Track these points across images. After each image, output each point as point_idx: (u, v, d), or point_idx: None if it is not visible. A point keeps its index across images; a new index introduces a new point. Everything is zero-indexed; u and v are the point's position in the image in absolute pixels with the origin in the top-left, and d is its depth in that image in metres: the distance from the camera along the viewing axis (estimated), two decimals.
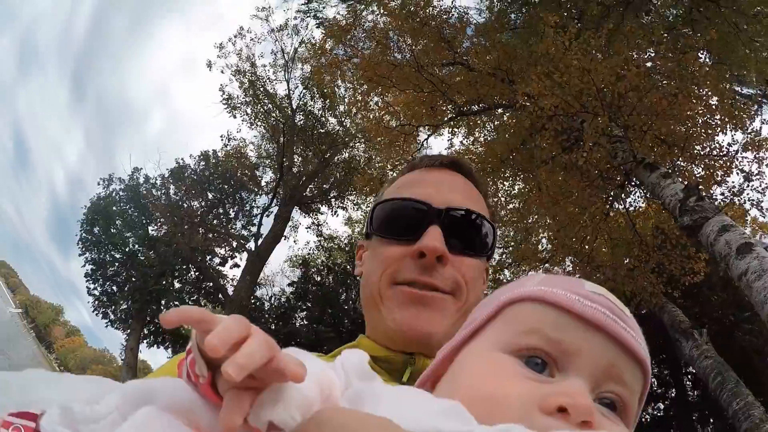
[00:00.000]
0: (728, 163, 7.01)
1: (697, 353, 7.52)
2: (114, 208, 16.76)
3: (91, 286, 16.23)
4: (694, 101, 7.39)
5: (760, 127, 7.18)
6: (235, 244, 15.76)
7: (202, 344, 0.43)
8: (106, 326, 16.27)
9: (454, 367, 0.59)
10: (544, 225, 9.65)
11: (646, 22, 9.35)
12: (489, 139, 10.54)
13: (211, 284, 15.89)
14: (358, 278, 1.06)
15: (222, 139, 16.71)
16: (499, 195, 9.81)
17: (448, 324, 0.89)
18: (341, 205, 16.16)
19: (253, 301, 15.60)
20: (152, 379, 0.53)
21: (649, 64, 7.91)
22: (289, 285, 16.59)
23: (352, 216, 16.72)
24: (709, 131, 7.28)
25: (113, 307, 16.06)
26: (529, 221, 9.62)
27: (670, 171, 6.49)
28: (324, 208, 16.51)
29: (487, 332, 0.58)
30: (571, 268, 8.80)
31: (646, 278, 7.78)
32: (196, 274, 16.13)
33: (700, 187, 5.72)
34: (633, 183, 7.23)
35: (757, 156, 7.02)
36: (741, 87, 9.75)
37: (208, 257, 16.09)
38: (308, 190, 16.35)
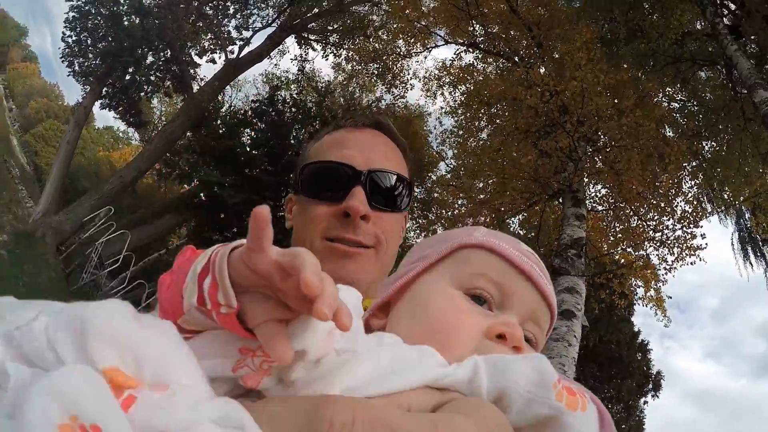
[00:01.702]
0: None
1: None
2: None
3: (68, 32, 15.50)
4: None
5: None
6: (220, 42, 15.16)
7: (248, 262, 0.43)
8: (68, 75, 15.90)
9: (409, 296, 0.68)
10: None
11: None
12: (490, 75, 10.53)
13: (181, 73, 15.55)
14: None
15: None
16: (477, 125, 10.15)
17: (369, 274, 1.02)
18: (336, 52, 15.53)
19: (212, 105, 15.55)
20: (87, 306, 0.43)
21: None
22: (253, 101, 16.45)
23: (344, 66, 16.17)
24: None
25: (81, 60, 15.63)
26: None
27: (585, 215, 7.03)
28: (318, 47, 15.90)
29: (440, 269, 0.68)
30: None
31: None
32: (171, 55, 15.60)
33: (586, 247, 6.36)
34: (559, 202, 7.74)
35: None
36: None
37: (189, 44, 15.47)
38: (313, 24, 15.55)
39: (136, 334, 0.40)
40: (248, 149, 14.85)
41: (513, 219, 8.72)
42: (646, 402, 14.98)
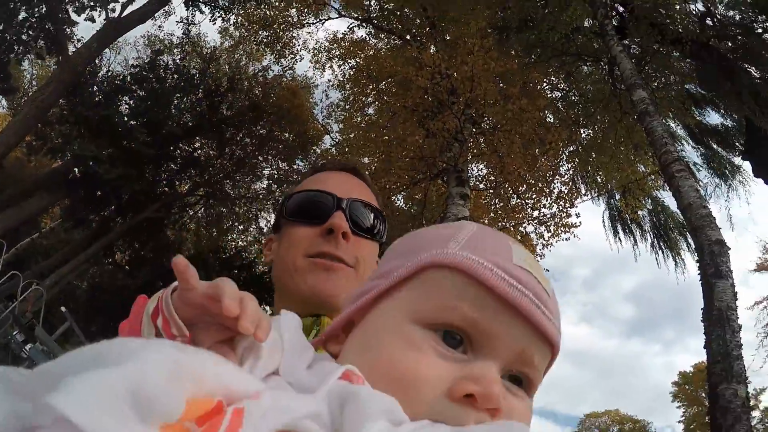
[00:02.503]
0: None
1: None
2: None
3: None
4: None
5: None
6: None
7: (184, 299, 0.51)
8: None
9: (366, 325, 0.56)
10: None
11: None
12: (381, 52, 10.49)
13: (56, 32, 13.86)
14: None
15: None
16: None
17: (350, 290, 1.07)
18: (224, 17, 14.58)
19: (88, 69, 14.06)
20: None
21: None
22: (133, 66, 15.12)
23: (231, 32, 15.25)
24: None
25: None
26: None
27: (469, 194, 7.20)
28: (206, 10, 14.85)
29: (403, 294, 0.54)
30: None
31: None
32: (46, 11, 13.85)
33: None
34: (443, 181, 7.86)
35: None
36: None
37: None
38: None
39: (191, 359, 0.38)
40: (126, 119, 13.63)
41: (398, 196, 8.73)
42: None
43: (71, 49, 14.28)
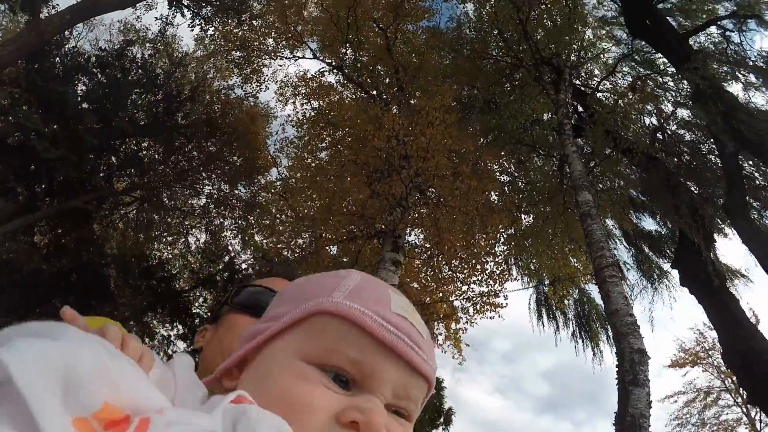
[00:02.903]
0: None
1: None
2: None
3: None
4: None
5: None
6: None
7: None
8: None
9: (260, 361, 0.60)
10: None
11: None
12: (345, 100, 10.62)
13: None
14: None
15: None
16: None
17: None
18: (203, 26, 14.35)
19: (56, 38, 13.41)
20: None
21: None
22: (101, 48, 14.45)
23: (206, 43, 15.08)
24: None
25: None
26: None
27: (401, 261, 7.19)
28: (188, 14, 14.56)
29: (293, 337, 0.59)
30: None
31: None
32: None
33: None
34: (379, 242, 7.84)
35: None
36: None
37: None
38: None
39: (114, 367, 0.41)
40: (79, 100, 12.95)
41: (332, 247, 8.60)
42: None
43: (45, 13, 13.59)
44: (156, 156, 14.96)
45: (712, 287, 9.31)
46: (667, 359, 18.79)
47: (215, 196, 14.78)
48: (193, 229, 16.07)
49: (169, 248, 16.97)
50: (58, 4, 14.43)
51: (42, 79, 12.71)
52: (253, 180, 14.02)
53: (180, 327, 16.57)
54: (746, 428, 17.34)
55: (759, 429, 16.84)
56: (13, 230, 15.11)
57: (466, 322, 8.78)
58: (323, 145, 9.48)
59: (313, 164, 9.13)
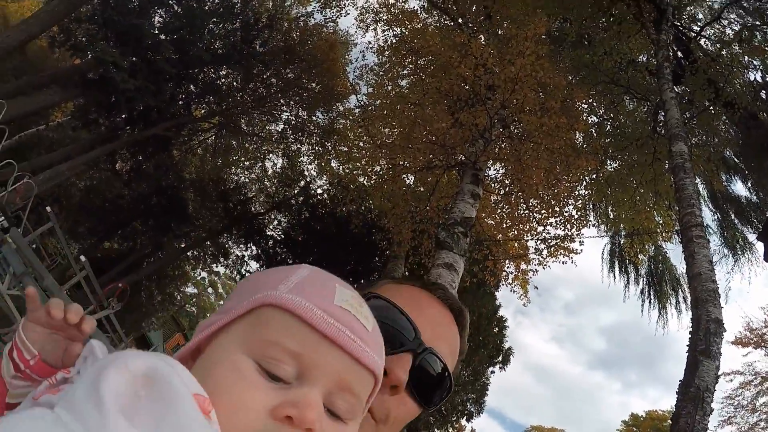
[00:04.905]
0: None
1: None
2: None
3: None
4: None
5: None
6: None
7: (33, 319, 0.67)
8: None
9: (204, 356, 0.61)
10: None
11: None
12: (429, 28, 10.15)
13: None
14: None
15: None
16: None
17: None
18: None
19: None
20: None
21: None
22: None
23: None
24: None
25: None
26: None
27: (480, 195, 6.99)
28: None
29: (237, 329, 0.60)
30: None
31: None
32: None
33: (474, 228, 6.36)
34: (458, 173, 7.66)
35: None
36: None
37: None
38: None
39: None
40: (156, 32, 13.23)
41: (409, 176, 8.48)
42: (493, 372, 16.13)
43: None
44: (234, 83, 15.26)
45: None
46: (731, 335, 17.83)
47: (293, 122, 14.98)
48: (270, 154, 16.51)
49: (246, 173, 17.60)
50: None
51: (118, 13, 13.04)
52: (331, 106, 14.05)
53: (254, 248, 17.50)
54: None
55: None
56: (96, 158, 16.09)
57: (538, 264, 8.59)
58: (405, 72, 9.18)
59: (393, 92, 8.91)
